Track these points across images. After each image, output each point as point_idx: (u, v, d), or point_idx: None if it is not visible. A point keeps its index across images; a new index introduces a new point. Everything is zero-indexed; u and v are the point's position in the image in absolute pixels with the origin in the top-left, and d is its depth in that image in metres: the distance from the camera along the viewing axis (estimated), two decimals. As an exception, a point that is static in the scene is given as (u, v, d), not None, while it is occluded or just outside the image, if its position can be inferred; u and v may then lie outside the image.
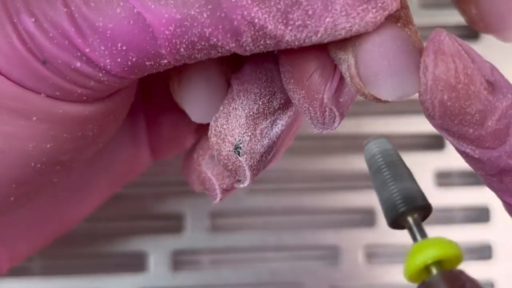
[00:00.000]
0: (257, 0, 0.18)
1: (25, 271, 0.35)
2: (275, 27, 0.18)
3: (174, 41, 0.18)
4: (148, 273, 0.35)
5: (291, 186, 0.37)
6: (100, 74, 0.19)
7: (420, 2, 0.37)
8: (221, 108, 0.22)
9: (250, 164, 0.22)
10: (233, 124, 0.22)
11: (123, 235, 0.36)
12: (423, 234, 0.19)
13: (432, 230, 0.36)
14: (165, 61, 0.19)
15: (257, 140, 0.22)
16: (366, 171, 0.37)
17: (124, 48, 0.19)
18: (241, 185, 0.23)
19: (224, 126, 0.22)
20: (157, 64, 0.19)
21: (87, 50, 0.19)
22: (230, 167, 0.22)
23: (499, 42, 0.37)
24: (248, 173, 0.22)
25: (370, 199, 0.36)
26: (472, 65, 0.18)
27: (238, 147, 0.22)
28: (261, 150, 0.22)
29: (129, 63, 0.19)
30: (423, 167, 0.36)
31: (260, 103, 0.22)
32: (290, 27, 0.18)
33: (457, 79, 0.18)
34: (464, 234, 0.36)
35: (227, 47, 0.19)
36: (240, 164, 0.22)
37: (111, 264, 0.36)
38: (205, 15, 0.18)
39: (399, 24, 0.19)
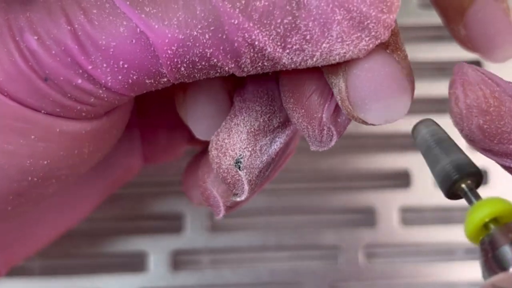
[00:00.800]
0: (258, 23, 0.18)
1: (25, 271, 0.35)
2: (273, 50, 0.19)
3: (175, 60, 0.19)
4: (148, 273, 0.35)
5: (291, 186, 0.37)
6: (101, 91, 0.19)
7: (420, 2, 0.37)
8: (223, 123, 0.23)
9: (249, 178, 0.23)
10: (235, 139, 0.22)
11: (123, 235, 0.36)
12: (478, 197, 0.20)
13: (432, 230, 0.36)
14: (165, 79, 0.19)
15: (256, 156, 0.23)
16: (366, 171, 0.37)
17: (125, 66, 0.19)
18: (238, 199, 0.23)
19: (226, 141, 0.23)
20: (156, 82, 0.20)
21: (90, 67, 0.19)
22: (229, 180, 0.22)
23: (499, 42, 0.37)
24: (246, 187, 0.23)
25: (370, 199, 0.36)
26: (498, 89, 0.19)
27: (238, 162, 0.22)
28: (260, 166, 0.23)
29: (130, 80, 0.19)
30: (423, 167, 0.36)
31: (261, 120, 0.22)
32: (287, 50, 0.19)
33: (488, 104, 0.19)
34: (464, 234, 0.36)
35: (226, 68, 0.19)
36: (239, 178, 0.22)
37: (111, 264, 0.36)
38: (207, 36, 0.18)
39: (388, 51, 0.20)
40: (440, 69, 0.38)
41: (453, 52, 0.37)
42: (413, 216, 0.37)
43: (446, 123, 0.37)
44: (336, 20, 0.18)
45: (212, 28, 0.18)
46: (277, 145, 0.23)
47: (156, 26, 0.18)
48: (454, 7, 0.24)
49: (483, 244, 0.19)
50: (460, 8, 0.23)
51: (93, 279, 0.35)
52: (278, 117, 0.23)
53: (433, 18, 0.37)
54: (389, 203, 0.36)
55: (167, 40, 0.18)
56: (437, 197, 0.36)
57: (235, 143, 0.22)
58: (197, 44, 0.18)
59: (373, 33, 0.19)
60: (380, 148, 0.37)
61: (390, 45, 0.20)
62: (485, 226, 0.19)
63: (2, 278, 0.35)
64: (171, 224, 0.36)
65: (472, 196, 0.20)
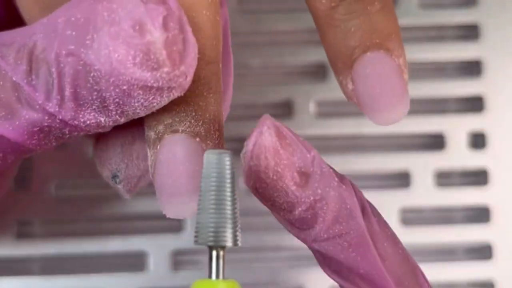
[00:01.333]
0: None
1: (25, 270, 0.35)
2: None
3: (32, 142, 0.20)
4: (148, 272, 0.35)
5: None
6: None
7: (420, 2, 0.37)
8: (102, 135, 0.23)
9: (127, 188, 0.23)
10: (110, 153, 0.23)
11: (123, 234, 0.36)
12: (219, 274, 0.18)
13: (432, 230, 0.36)
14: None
15: (134, 165, 0.23)
16: (366, 171, 0.37)
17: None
18: (125, 197, 0.24)
19: (104, 153, 0.23)
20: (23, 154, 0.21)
21: None
22: (111, 186, 0.23)
23: (500, 42, 0.37)
24: (126, 194, 0.23)
25: (370, 199, 0.36)
26: (285, 162, 0.19)
27: (115, 176, 0.23)
28: (138, 174, 0.23)
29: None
30: (424, 168, 0.36)
31: (135, 129, 0.22)
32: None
33: (266, 175, 0.19)
34: (464, 234, 0.36)
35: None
36: (119, 187, 0.23)
37: (111, 263, 0.36)
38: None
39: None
40: (440, 69, 0.38)
41: (453, 52, 0.37)
42: (413, 216, 0.37)
43: (446, 123, 0.37)
44: (125, 88, 0.18)
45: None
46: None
47: (11, 128, 0.19)
48: (342, 57, 0.22)
49: None
50: (348, 59, 0.22)
51: (93, 278, 0.35)
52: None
53: (433, 18, 0.37)
54: (389, 203, 0.36)
55: (26, 136, 0.20)
56: (437, 197, 0.36)
57: (112, 157, 0.23)
58: (49, 128, 0.20)
59: (164, 90, 0.18)
60: (380, 148, 0.37)
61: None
62: None
63: (2, 278, 0.35)
64: (171, 224, 0.36)
65: (215, 267, 0.18)
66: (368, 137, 0.37)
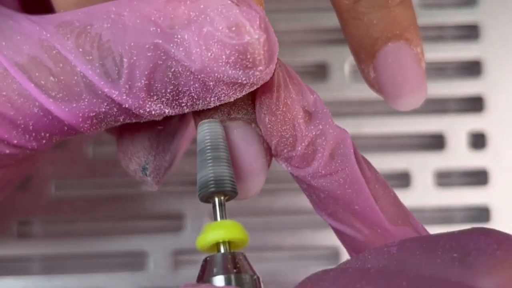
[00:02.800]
0: (147, 99, 0.20)
1: (25, 270, 0.35)
2: (171, 111, 0.21)
3: (87, 126, 0.21)
4: (148, 272, 0.35)
5: (291, 186, 0.37)
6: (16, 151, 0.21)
7: (420, 2, 0.37)
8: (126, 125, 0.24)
9: (156, 179, 0.24)
10: (138, 146, 0.24)
11: (123, 234, 0.36)
12: (223, 216, 0.21)
13: (432, 230, 0.36)
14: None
15: (161, 157, 0.24)
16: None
17: (47, 135, 0.21)
18: (150, 189, 0.25)
19: (130, 147, 0.24)
20: (69, 136, 0.22)
21: (6, 136, 0.20)
22: (138, 179, 0.24)
23: (499, 42, 0.37)
24: (155, 186, 0.24)
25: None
26: (294, 96, 0.21)
27: (145, 168, 0.24)
28: (165, 165, 0.24)
29: (44, 141, 0.21)
30: (423, 167, 0.37)
31: (161, 122, 0.23)
32: (185, 108, 0.20)
33: (277, 106, 0.21)
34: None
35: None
36: (147, 179, 0.24)
37: (112, 263, 0.36)
38: (115, 109, 0.20)
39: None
40: (440, 69, 0.38)
41: (453, 52, 0.37)
42: (413, 216, 0.37)
43: (446, 123, 0.37)
44: (211, 84, 0.19)
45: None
46: (178, 139, 0.25)
47: (67, 109, 0.20)
48: (365, 47, 0.23)
49: (204, 261, 0.21)
50: (371, 49, 0.23)
51: (93, 278, 0.35)
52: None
53: (433, 18, 0.37)
54: (389, 203, 0.36)
55: (80, 119, 0.20)
56: (437, 197, 0.36)
57: (139, 150, 0.24)
58: (105, 114, 0.20)
59: (247, 86, 0.20)
60: (380, 148, 0.37)
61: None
62: (217, 245, 0.20)
63: (2, 277, 0.35)
64: (171, 223, 0.36)
65: (219, 212, 0.21)
66: (368, 137, 0.37)
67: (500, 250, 0.18)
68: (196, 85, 0.19)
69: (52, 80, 0.20)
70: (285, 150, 0.21)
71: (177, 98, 0.20)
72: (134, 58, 0.19)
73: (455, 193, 0.36)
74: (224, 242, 0.20)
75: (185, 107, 0.20)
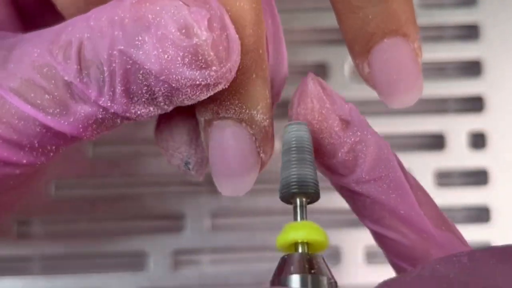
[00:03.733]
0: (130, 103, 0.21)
1: (25, 270, 0.35)
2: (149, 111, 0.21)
3: (88, 134, 0.21)
4: (148, 272, 0.35)
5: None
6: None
7: (420, 2, 0.37)
8: (161, 118, 0.24)
9: (200, 172, 0.24)
10: (178, 141, 0.24)
11: (124, 234, 0.36)
12: (303, 217, 0.21)
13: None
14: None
15: (201, 150, 0.24)
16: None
17: (53, 148, 0.22)
18: (194, 180, 0.25)
19: (170, 143, 0.24)
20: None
21: (5, 154, 0.21)
22: (181, 171, 0.25)
23: (499, 42, 0.37)
24: (199, 177, 0.25)
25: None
26: (328, 106, 0.21)
27: (187, 163, 0.24)
28: (205, 156, 0.24)
29: (51, 154, 0.22)
30: (423, 167, 0.37)
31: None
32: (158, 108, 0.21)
33: (312, 116, 0.21)
34: (464, 234, 0.36)
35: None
36: (190, 173, 0.24)
37: (112, 263, 0.36)
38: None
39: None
40: (440, 69, 0.38)
41: (453, 52, 0.37)
42: (413, 216, 0.37)
43: (446, 123, 0.37)
44: (174, 86, 0.19)
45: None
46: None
47: (66, 123, 0.20)
48: (360, 42, 0.23)
49: (282, 260, 0.21)
50: (366, 45, 0.23)
51: (93, 278, 0.35)
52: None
53: (433, 18, 0.37)
54: (389, 203, 0.36)
55: (81, 129, 0.21)
56: (437, 197, 0.36)
57: (180, 145, 0.24)
58: (102, 120, 0.21)
59: (211, 86, 0.20)
60: (380, 148, 0.37)
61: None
62: (296, 245, 0.20)
63: (2, 277, 0.35)
64: (171, 223, 0.36)
65: (300, 213, 0.21)
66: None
67: None
68: (164, 85, 0.19)
69: (48, 97, 0.20)
70: (326, 158, 0.22)
71: (154, 97, 0.20)
72: (113, 65, 0.19)
73: (455, 193, 0.36)
74: (303, 243, 0.20)
75: (165, 106, 0.20)
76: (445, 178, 0.37)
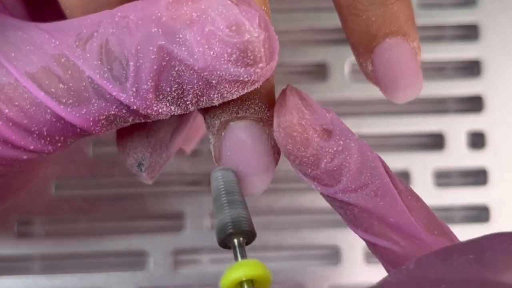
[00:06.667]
0: (154, 100, 0.21)
1: (25, 269, 0.35)
2: (176, 110, 0.21)
3: (98, 128, 0.21)
4: (148, 271, 0.35)
5: (291, 186, 0.37)
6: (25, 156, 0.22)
7: (420, 2, 0.38)
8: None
9: (151, 175, 0.25)
10: (136, 142, 0.25)
11: (124, 234, 0.36)
12: (244, 256, 0.21)
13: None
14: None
15: (157, 154, 0.25)
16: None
17: (61, 139, 0.21)
18: (144, 182, 0.26)
19: (129, 143, 0.25)
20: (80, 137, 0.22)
21: (22, 143, 0.21)
22: (133, 173, 0.25)
23: (499, 42, 0.37)
24: (149, 181, 0.25)
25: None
26: (308, 117, 0.21)
27: (140, 164, 0.24)
28: (160, 162, 0.25)
29: (59, 144, 0.22)
30: (423, 167, 0.37)
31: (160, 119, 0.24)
32: (189, 105, 0.21)
33: (293, 128, 0.21)
34: (463, 234, 0.36)
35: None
36: (142, 174, 0.25)
37: (112, 262, 0.36)
38: (125, 110, 0.21)
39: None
40: (439, 69, 0.38)
41: (452, 52, 0.37)
42: (412, 215, 0.37)
43: (445, 123, 0.37)
44: (214, 82, 0.20)
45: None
46: (175, 138, 0.25)
47: (77, 115, 0.20)
48: (363, 43, 0.24)
49: None
50: (369, 45, 0.24)
51: (93, 278, 0.35)
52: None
53: (433, 18, 0.37)
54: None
55: (91, 123, 0.21)
56: (436, 197, 0.36)
57: (137, 146, 0.24)
58: (115, 116, 0.21)
59: (249, 83, 0.20)
60: (380, 148, 0.37)
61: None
62: (241, 284, 0.20)
63: (3, 277, 0.35)
64: (172, 223, 0.36)
65: (239, 253, 0.21)
66: (368, 137, 0.37)
67: None
68: (200, 83, 0.20)
69: (62, 87, 0.20)
70: (309, 170, 0.21)
71: (182, 96, 0.20)
72: (140, 61, 0.20)
73: (454, 193, 0.37)
74: (247, 281, 0.20)
75: (190, 105, 0.21)
76: (444, 178, 0.37)
